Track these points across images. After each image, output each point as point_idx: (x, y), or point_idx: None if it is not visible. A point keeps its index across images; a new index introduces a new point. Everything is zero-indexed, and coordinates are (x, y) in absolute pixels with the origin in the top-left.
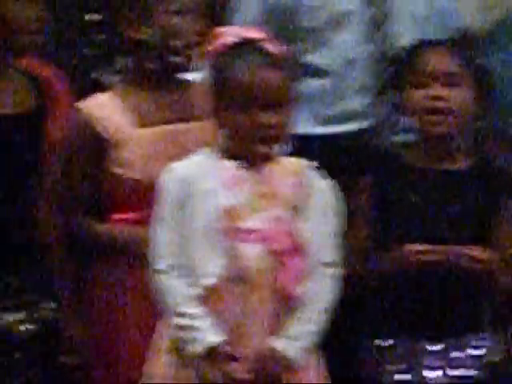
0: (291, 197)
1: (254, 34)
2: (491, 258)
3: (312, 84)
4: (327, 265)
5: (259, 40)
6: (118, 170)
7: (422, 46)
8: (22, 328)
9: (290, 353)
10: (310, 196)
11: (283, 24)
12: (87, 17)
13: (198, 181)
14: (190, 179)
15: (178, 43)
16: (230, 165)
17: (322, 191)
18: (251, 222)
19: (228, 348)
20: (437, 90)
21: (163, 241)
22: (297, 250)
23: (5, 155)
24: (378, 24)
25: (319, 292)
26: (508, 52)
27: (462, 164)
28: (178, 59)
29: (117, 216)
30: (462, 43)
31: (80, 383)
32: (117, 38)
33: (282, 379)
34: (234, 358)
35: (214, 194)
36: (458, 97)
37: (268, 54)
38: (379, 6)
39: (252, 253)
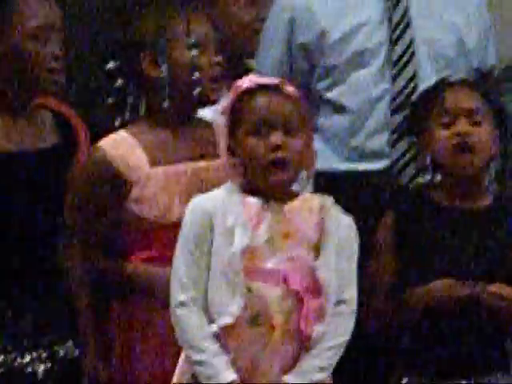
0: (312, 236)
1: (268, 80)
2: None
3: (332, 121)
4: (345, 302)
5: (273, 84)
6: (135, 208)
7: (445, 85)
8: (41, 367)
9: None
10: (331, 234)
11: (307, 62)
12: (110, 65)
13: (219, 216)
14: (212, 214)
15: (197, 75)
16: (251, 201)
17: (343, 229)
18: (271, 263)
19: None
20: (462, 126)
21: (184, 273)
22: (316, 289)
23: (30, 191)
24: (401, 64)
25: (334, 329)
26: None
27: (484, 202)
28: (200, 91)
29: (134, 257)
30: (483, 83)
31: None
32: (138, 82)
33: None
34: None
35: (233, 232)
36: (482, 134)
37: (281, 91)
38: (404, 47)
39: (271, 294)
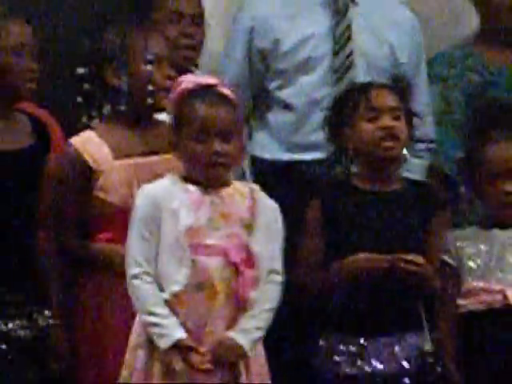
0: (245, 216)
1: (208, 79)
2: (425, 262)
3: (280, 117)
4: (274, 272)
5: (213, 85)
6: (101, 195)
7: (366, 85)
8: (22, 333)
9: (244, 342)
10: (260, 215)
11: (262, 65)
12: (78, 70)
13: (166, 201)
14: (159, 199)
15: (150, 87)
16: (192, 189)
17: (270, 211)
18: (211, 239)
19: (191, 342)
20: (386, 121)
21: (137, 250)
22: (250, 261)
23: (7, 186)
24: (341, 72)
25: (267, 294)
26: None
27: (397, 186)
28: (150, 101)
29: (101, 235)
30: (399, 83)
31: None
32: (102, 87)
33: (237, 365)
34: (197, 351)
35: (178, 214)
36: (401, 127)
37: (220, 94)
38: (344, 57)
39: (213, 265)
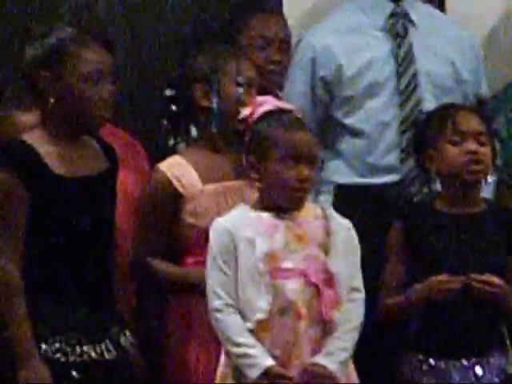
0: (321, 237)
1: (286, 104)
2: (501, 283)
3: (351, 143)
4: (355, 290)
5: (290, 110)
6: (191, 220)
7: (451, 108)
8: (109, 356)
9: (330, 365)
10: (335, 234)
11: (327, 93)
12: (167, 92)
13: (239, 231)
14: (232, 230)
15: (241, 110)
16: (265, 215)
17: (345, 230)
18: (289, 262)
19: (279, 369)
20: (472, 145)
21: (216, 283)
22: (330, 280)
23: (85, 207)
24: (407, 93)
25: (349, 314)
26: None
27: (480, 208)
28: (239, 124)
29: (190, 260)
30: (481, 108)
31: None
32: (190, 109)
33: None
34: (286, 377)
35: (254, 241)
36: (487, 153)
37: (301, 120)
38: (409, 79)
39: (294, 287)
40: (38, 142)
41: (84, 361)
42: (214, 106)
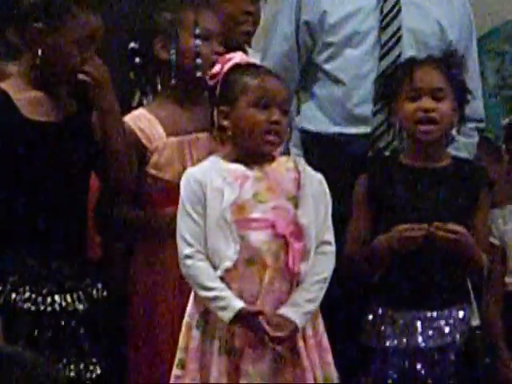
0: (291, 189)
1: (253, 59)
2: (464, 231)
3: (327, 90)
4: (324, 243)
5: (260, 65)
6: (154, 172)
7: (412, 63)
8: (81, 306)
9: (294, 316)
10: (306, 187)
11: (309, 38)
12: (131, 45)
13: (209, 181)
14: (203, 180)
15: (198, 61)
16: (235, 166)
17: (316, 183)
18: (258, 213)
19: (252, 307)
20: (426, 102)
21: (186, 230)
22: (298, 233)
23: (61, 157)
24: (388, 47)
25: (318, 266)
26: (484, 66)
27: (444, 163)
28: (197, 74)
29: (154, 211)
30: (447, 60)
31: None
32: (152, 62)
33: (293, 338)
34: (260, 312)
35: (223, 191)
36: (443, 108)
37: (270, 70)
38: (392, 32)
39: (261, 238)
40: (14, 89)
41: (54, 310)
42: (173, 58)
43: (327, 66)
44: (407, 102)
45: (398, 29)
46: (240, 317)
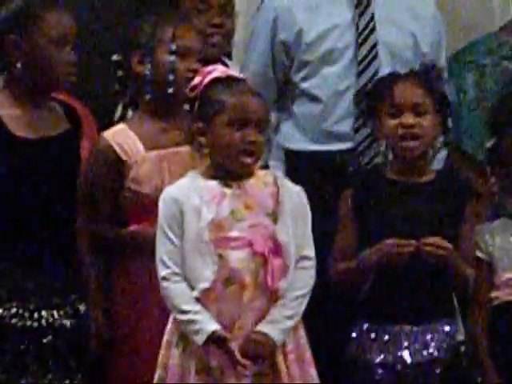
0: (269, 205)
1: (234, 72)
2: (450, 247)
3: (306, 108)
4: (304, 258)
5: (243, 79)
6: (133, 186)
7: (392, 78)
8: (68, 322)
9: (272, 333)
10: (285, 201)
11: (285, 57)
12: (114, 57)
13: (187, 200)
14: (180, 199)
15: (171, 77)
16: (212, 183)
17: (295, 197)
18: (235, 231)
19: (225, 333)
20: (407, 118)
21: (163, 252)
22: (277, 249)
23: (46, 172)
24: (365, 63)
25: (297, 281)
26: (463, 78)
27: (429, 177)
28: (170, 91)
29: (133, 227)
30: (426, 75)
31: (105, 371)
32: (130, 76)
33: (267, 357)
34: (228, 346)
35: (200, 210)
36: (425, 123)
37: (249, 86)
38: (368, 48)
39: (239, 257)
40: (0, 104)
41: (41, 326)
42: (147, 73)
43: (305, 85)
44: (388, 119)
45: (375, 44)
46: (213, 339)
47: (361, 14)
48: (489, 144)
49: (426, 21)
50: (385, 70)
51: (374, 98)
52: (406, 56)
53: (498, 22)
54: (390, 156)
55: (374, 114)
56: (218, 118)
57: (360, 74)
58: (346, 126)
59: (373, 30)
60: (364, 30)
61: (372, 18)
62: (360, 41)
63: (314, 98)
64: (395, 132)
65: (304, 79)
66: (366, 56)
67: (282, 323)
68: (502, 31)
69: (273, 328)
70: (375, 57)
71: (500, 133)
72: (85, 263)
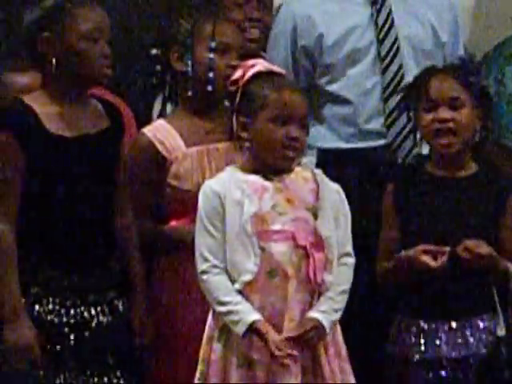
0: (310, 200)
1: (276, 67)
2: (491, 251)
3: (335, 110)
4: (345, 254)
5: (284, 74)
6: (174, 183)
7: (428, 73)
8: (105, 319)
9: (324, 322)
10: (324, 198)
11: (307, 62)
12: (152, 51)
13: (228, 193)
14: (221, 192)
15: (211, 75)
16: (254, 178)
17: (334, 194)
18: (277, 224)
19: (265, 325)
20: (442, 113)
21: (203, 245)
22: (319, 244)
23: (88, 169)
24: (388, 59)
25: (341, 277)
26: (502, 72)
27: (470, 171)
28: (209, 88)
29: (174, 223)
30: (463, 68)
31: (144, 369)
32: (169, 72)
33: (316, 347)
34: (269, 335)
35: (242, 203)
36: (462, 117)
37: (292, 82)
38: (390, 44)
39: (282, 250)
40: (38, 102)
41: (78, 323)
42: (189, 70)
43: (331, 88)
44: (424, 114)
45: (396, 39)
46: (253, 330)
47: (378, 11)
48: None
49: (443, 10)
50: (408, 64)
51: (410, 92)
52: (428, 47)
53: None
54: (427, 150)
55: (411, 108)
56: (261, 114)
57: (384, 70)
58: (375, 125)
59: (392, 25)
60: (383, 26)
61: (390, 14)
62: (381, 38)
63: (343, 100)
64: (430, 127)
65: (330, 82)
66: (388, 52)
67: (330, 314)
68: None
69: (324, 317)
70: (397, 51)
71: None
72: (132, 261)
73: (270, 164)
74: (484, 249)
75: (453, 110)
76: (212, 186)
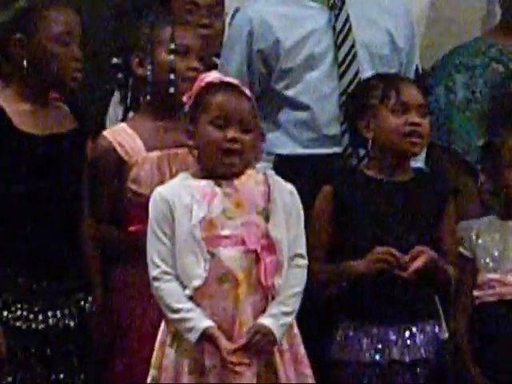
0: (261, 202)
1: (233, 80)
2: (432, 257)
3: (291, 115)
4: (297, 256)
5: (236, 84)
6: (133, 187)
7: (395, 78)
8: (71, 323)
9: (273, 328)
10: (276, 199)
11: (263, 66)
12: (113, 60)
13: (178, 199)
14: (171, 198)
15: (172, 77)
16: (203, 183)
17: (286, 195)
18: (227, 229)
19: (217, 331)
20: (414, 117)
21: (154, 252)
22: (270, 247)
23: (53, 170)
24: (345, 65)
25: (293, 279)
26: (453, 80)
27: (409, 175)
28: (171, 90)
29: (133, 227)
30: (420, 80)
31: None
32: (130, 78)
33: (269, 352)
34: (221, 342)
35: (191, 209)
36: (427, 125)
37: (242, 92)
38: (347, 50)
39: (231, 255)
40: (7, 101)
41: (46, 327)
42: (148, 74)
43: (288, 92)
44: (392, 116)
45: (353, 45)
46: (206, 336)
47: (336, 16)
48: (480, 143)
49: (399, 16)
50: (365, 69)
51: (372, 96)
52: (384, 53)
53: (487, 24)
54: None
55: (367, 112)
56: (202, 117)
57: (342, 75)
58: (333, 130)
59: (349, 30)
60: (341, 31)
61: (347, 19)
62: (338, 43)
63: (301, 105)
64: (401, 129)
65: (287, 87)
66: (345, 57)
67: (281, 319)
68: (490, 33)
69: (273, 322)
70: (354, 57)
71: (491, 132)
72: (88, 259)
73: (211, 169)
74: (427, 256)
75: (420, 116)
76: (161, 192)
